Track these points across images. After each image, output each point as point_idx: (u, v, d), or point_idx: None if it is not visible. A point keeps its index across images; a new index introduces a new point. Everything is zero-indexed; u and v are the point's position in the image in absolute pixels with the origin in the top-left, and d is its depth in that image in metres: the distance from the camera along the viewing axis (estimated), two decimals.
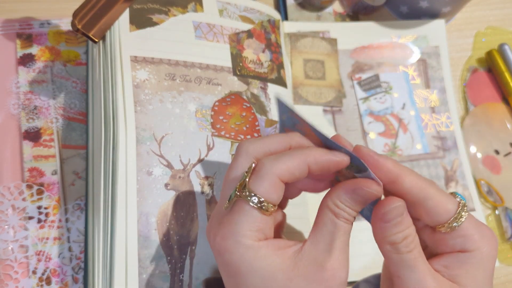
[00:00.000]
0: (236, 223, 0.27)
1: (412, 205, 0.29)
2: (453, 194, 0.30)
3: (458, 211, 0.29)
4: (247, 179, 0.28)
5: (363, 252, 0.46)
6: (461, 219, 0.29)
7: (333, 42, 0.53)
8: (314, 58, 0.52)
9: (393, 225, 0.28)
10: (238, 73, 0.45)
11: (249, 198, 0.27)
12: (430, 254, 0.31)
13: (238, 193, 0.28)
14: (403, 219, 0.28)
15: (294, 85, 0.50)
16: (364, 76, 0.52)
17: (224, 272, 0.28)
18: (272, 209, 0.28)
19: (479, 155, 0.53)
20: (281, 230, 0.32)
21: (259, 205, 0.27)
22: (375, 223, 0.29)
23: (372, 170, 0.28)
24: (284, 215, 0.33)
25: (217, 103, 0.43)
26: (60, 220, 0.41)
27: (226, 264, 0.28)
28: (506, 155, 0.53)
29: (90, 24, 0.39)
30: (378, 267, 0.46)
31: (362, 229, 0.47)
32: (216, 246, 0.28)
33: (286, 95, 0.48)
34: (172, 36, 0.43)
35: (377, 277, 0.38)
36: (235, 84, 0.44)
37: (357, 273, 0.45)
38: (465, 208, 0.30)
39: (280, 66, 0.48)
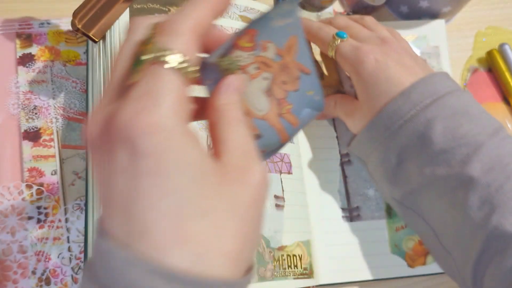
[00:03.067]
0: (152, 95, 0.20)
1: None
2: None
3: (333, 39, 0.42)
4: (154, 38, 0.21)
5: (338, 254, 0.46)
6: (334, 45, 0.42)
7: None
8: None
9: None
10: None
11: (164, 58, 0.20)
12: None
13: (148, 57, 0.20)
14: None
15: None
16: None
17: (132, 170, 0.19)
18: (194, 74, 0.21)
19: None
20: None
21: (180, 66, 0.20)
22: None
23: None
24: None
25: None
26: (59, 220, 0.41)
27: (139, 156, 0.19)
28: None
29: (90, 23, 0.39)
30: (360, 269, 0.46)
31: (343, 230, 0.47)
32: (121, 131, 0.19)
33: None
34: None
35: None
36: None
37: (337, 274, 0.45)
38: (337, 40, 0.42)
39: None
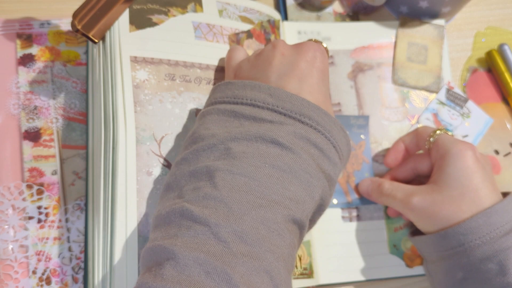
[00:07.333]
0: None
1: (417, 143, 0.45)
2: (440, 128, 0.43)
3: (434, 131, 0.43)
4: None
5: (338, 254, 0.46)
6: (435, 134, 0.42)
7: (440, 28, 0.54)
8: (419, 42, 0.53)
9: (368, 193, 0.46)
10: None
11: None
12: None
13: None
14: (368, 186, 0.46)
15: (395, 65, 0.52)
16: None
17: (312, 64, 0.38)
18: None
19: None
20: None
21: None
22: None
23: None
24: None
25: None
26: (60, 220, 0.41)
27: (317, 61, 0.38)
28: (506, 155, 0.53)
29: (90, 24, 0.39)
30: (359, 269, 0.46)
31: (343, 230, 0.47)
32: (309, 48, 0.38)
33: None
34: (172, 36, 0.43)
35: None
36: None
37: (336, 274, 0.45)
38: (443, 130, 0.43)
39: None
